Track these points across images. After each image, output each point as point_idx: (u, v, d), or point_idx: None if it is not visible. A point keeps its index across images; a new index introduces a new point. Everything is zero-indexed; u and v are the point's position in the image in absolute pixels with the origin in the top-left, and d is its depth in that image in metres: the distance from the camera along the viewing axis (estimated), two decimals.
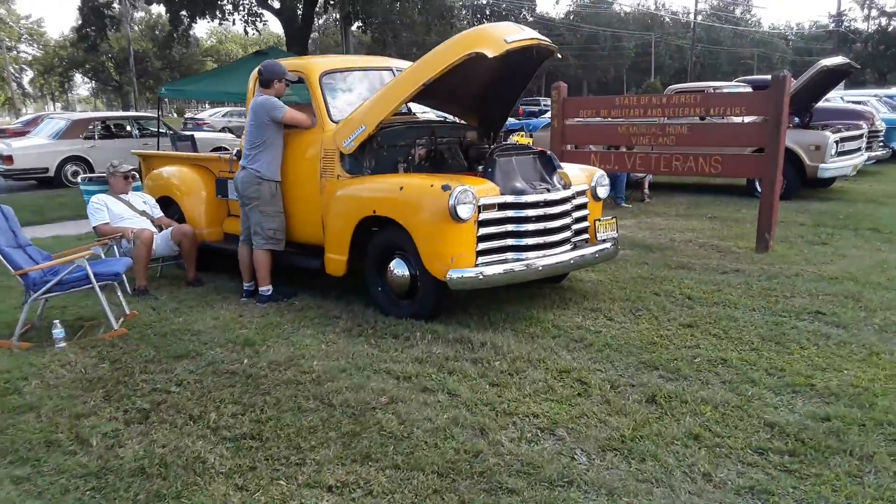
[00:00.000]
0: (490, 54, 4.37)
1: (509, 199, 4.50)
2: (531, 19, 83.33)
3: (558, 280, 5.51)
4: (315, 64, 5.58)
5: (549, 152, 5.07)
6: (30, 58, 65.00)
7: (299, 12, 14.42)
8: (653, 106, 7.51)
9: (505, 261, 4.50)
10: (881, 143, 13.05)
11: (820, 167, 9.75)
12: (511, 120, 12.83)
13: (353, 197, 4.90)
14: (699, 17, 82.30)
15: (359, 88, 5.61)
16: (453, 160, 5.25)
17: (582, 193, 5.10)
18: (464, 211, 4.23)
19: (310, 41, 15.70)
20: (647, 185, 10.44)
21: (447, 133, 5.51)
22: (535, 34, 4.66)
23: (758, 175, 6.93)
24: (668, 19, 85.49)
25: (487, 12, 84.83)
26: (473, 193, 4.30)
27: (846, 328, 4.47)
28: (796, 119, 10.88)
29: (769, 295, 5.23)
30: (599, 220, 5.16)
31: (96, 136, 14.87)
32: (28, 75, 67.02)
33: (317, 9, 15.29)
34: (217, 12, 14.37)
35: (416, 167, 5.19)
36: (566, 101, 8.16)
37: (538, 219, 4.58)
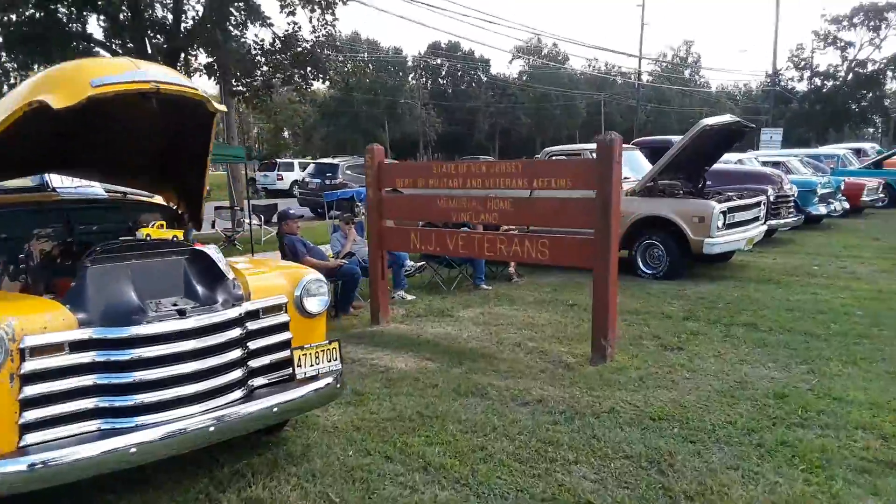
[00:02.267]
0: (57, 105, 2.81)
1: (89, 334, 2.87)
2: (485, 79, 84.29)
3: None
4: None
5: (208, 249, 3.46)
6: None
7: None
8: (472, 175, 6.04)
9: (85, 435, 2.84)
10: (790, 209, 11.87)
11: (705, 241, 8.38)
12: (355, 187, 11.39)
13: None
14: (650, 78, 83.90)
15: None
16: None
17: (275, 310, 3.51)
18: None
19: None
20: (514, 263, 8.96)
21: (101, 217, 3.93)
22: (165, 77, 3.11)
23: (586, 264, 5.49)
24: (619, 80, 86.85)
25: (443, 72, 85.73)
26: (7, 331, 2.67)
27: None
28: (688, 185, 9.64)
29: (541, 458, 3.63)
30: (306, 347, 3.54)
31: None
32: None
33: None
34: None
35: (33, 272, 3.57)
36: (383, 166, 6.68)
37: (149, 363, 2.94)
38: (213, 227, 13.70)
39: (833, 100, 43.99)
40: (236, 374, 3.28)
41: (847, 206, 14.83)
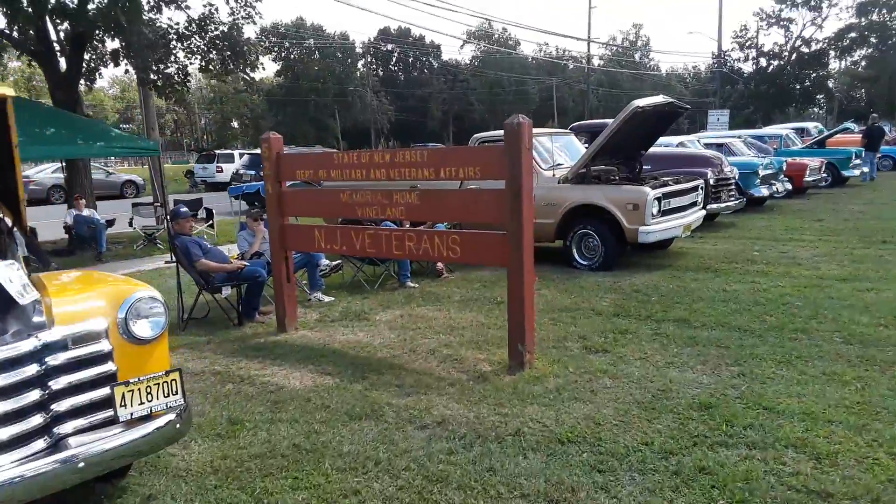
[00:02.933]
0: None
1: None
2: (437, 65, 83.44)
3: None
4: None
5: None
6: None
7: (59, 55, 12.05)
8: (375, 165, 5.44)
9: None
10: (731, 192, 11.56)
11: (640, 230, 7.94)
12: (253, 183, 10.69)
13: None
14: (601, 63, 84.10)
15: None
16: None
17: (89, 338, 2.87)
18: None
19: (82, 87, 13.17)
20: None
21: None
22: None
23: (500, 263, 4.97)
24: (571, 66, 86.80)
25: (394, 59, 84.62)
26: None
27: None
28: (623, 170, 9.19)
29: (422, 502, 3.10)
30: (133, 382, 2.91)
31: None
32: None
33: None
34: None
35: None
36: (281, 157, 6.03)
37: None
38: (130, 224, 12.83)
39: (778, 80, 44.48)
40: (34, 420, 2.65)
41: (790, 186, 14.65)
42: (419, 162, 5.18)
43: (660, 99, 8.46)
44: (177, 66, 12.56)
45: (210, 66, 13.01)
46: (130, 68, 12.86)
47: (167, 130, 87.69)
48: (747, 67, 45.74)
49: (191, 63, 12.92)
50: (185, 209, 6.57)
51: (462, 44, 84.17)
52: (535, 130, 9.61)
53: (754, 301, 6.42)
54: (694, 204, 9.09)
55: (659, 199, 8.08)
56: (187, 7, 13.30)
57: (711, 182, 10.92)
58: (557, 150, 9.55)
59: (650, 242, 8.15)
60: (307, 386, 4.67)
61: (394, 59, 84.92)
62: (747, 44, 44.45)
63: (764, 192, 13.18)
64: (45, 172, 23.92)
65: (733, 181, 11.68)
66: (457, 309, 6.68)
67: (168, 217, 6.78)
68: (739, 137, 16.68)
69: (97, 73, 13.82)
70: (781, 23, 45.12)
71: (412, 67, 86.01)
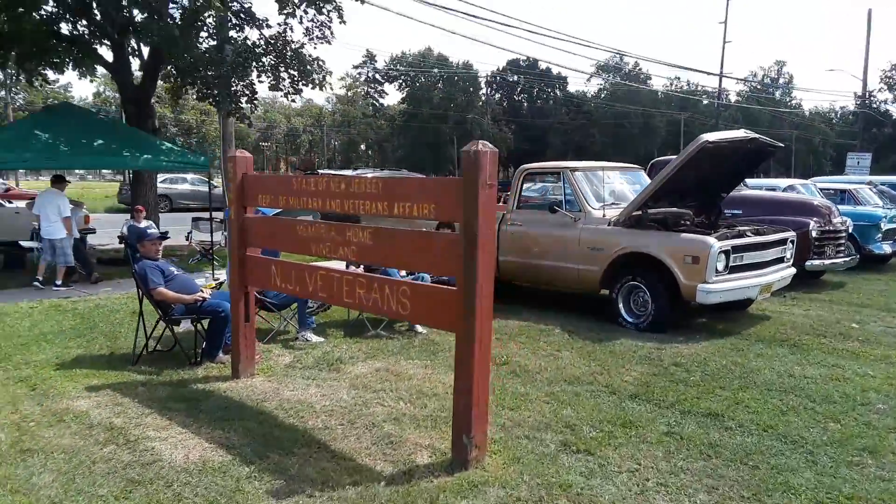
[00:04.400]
0: None
1: None
2: (560, 96, 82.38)
3: None
4: None
5: None
6: None
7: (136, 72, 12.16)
8: (331, 194, 4.52)
9: None
10: (841, 247, 9.71)
11: (699, 288, 6.53)
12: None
13: None
14: (738, 99, 79.72)
15: None
16: None
17: None
18: None
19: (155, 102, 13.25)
20: None
21: None
22: None
23: (448, 326, 3.88)
24: (704, 101, 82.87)
25: (518, 89, 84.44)
26: None
27: None
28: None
29: None
30: None
31: None
32: None
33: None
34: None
35: None
36: (248, 179, 5.25)
37: None
38: (187, 239, 12.66)
39: None
40: None
41: None
42: (373, 193, 4.22)
43: (737, 133, 7.06)
44: (243, 83, 12.33)
45: (280, 86, 12.70)
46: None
47: (301, 150, 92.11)
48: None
49: (261, 82, 12.70)
50: (153, 230, 5.96)
51: (590, 76, 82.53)
52: (592, 163, 8.43)
53: (824, 396, 4.90)
54: (780, 260, 7.50)
55: (727, 253, 6.63)
56: (268, 26, 13.14)
57: (814, 234, 9.17)
58: (626, 187, 8.29)
59: (711, 304, 6.70)
60: (189, 460, 3.77)
61: (518, 89, 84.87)
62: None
63: (886, 249, 11.08)
64: None
65: (844, 234, 9.81)
66: (445, 368, 5.58)
67: (136, 238, 6.18)
68: (870, 184, 14.43)
69: (183, 90, 13.93)
70: None
71: (536, 98, 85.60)
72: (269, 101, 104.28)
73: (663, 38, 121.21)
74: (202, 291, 5.84)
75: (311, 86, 12.75)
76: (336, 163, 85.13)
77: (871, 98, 37.76)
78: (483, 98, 79.02)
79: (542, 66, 78.28)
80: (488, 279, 3.67)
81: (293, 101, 14.37)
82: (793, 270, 7.74)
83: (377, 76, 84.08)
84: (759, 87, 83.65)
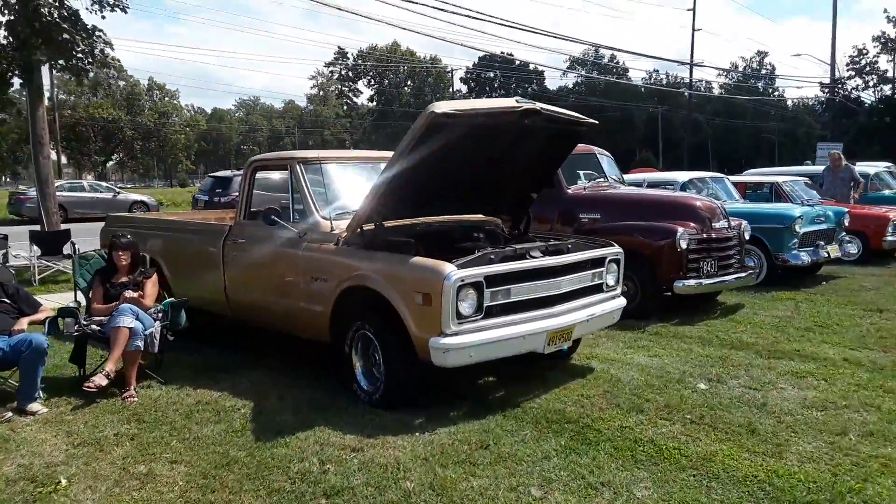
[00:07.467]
0: None
1: None
2: (536, 91, 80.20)
3: None
4: None
5: None
6: None
7: None
8: None
9: None
10: (732, 262, 7.37)
11: (432, 344, 4.17)
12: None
13: None
14: (720, 91, 77.48)
15: None
16: None
17: None
18: None
19: None
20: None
21: None
22: None
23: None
24: (686, 94, 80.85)
25: (496, 84, 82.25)
26: None
27: None
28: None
29: None
30: None
31: None
32: None
33: None
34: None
35: None
36: None
37: None
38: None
39: None
40: None
41: (856, 250, 10.05)
42: None
43: (479, 104, 4.75)
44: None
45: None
46: None
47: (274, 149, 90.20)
48: (868, 96, 38.88)
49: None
50: None
51: (564, 70, 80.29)
52: (339, 152, 6.18)
53: None
54: (595, 289, 5.14)
55: (477, 285, 4.25)
56: None
57: (683, 245, 6.83)
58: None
59: (451, 367, 4.33)
60: None
61: (496, 85, 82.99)
62: (866, 69, 37.72)
63: (804, 258, 8.70)
64: None
65: (734, 242, 7.46)
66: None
67: None
68: (802, 176, 12.08)
69: None
70: None
71: (513, 94, 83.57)
72: (250, 104, 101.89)
73: (640, 32, 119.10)
74: None
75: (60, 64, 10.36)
76: None
77: (842, 86, 35.43)
78: (455, 95, 76.83)
79: (517, 61, 76.26)
80: None
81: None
82: (620, 302, 5.38)
83: (349, 73, 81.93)
84: (740, 78, 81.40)
